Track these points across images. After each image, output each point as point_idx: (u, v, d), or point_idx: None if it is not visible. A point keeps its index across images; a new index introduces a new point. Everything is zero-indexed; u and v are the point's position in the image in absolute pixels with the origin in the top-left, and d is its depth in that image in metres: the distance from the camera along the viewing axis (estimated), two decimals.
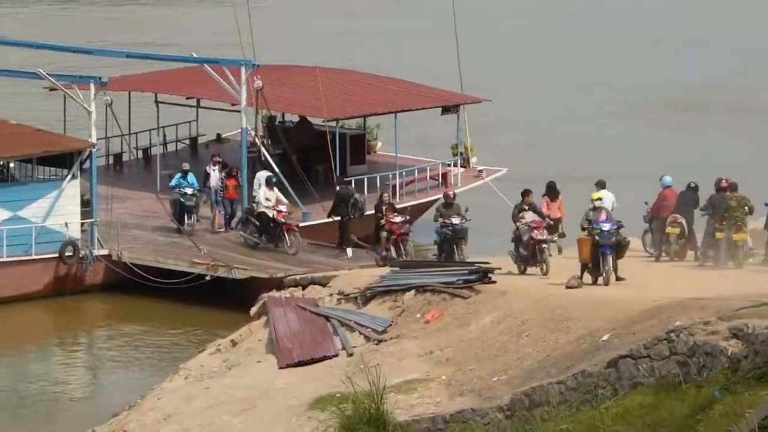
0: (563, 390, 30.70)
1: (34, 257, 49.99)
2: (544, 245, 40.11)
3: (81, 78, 52.42)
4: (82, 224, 51.98)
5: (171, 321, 47.97)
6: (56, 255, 49.89)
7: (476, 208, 48.15)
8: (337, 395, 33.94)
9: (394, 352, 37.04)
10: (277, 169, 52.64)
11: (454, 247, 42.64)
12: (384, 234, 45.15)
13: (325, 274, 43.72)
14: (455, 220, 41.98)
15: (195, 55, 55.62)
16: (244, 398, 36.57)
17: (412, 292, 39.97)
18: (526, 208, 42.14)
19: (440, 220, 43.17)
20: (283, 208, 49.05)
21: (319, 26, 66.35)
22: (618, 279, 35.91)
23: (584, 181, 45.87)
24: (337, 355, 37.25)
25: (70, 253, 49.84)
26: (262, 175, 52.81)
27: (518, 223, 41.18)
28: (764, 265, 39.08)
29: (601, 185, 46.27)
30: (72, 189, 50.29)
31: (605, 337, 33.15)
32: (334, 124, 55.27)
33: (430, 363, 36.46)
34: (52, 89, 53.60)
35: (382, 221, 45.80)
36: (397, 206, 51.03)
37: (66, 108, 53.32)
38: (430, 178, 52.99)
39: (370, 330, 38.17)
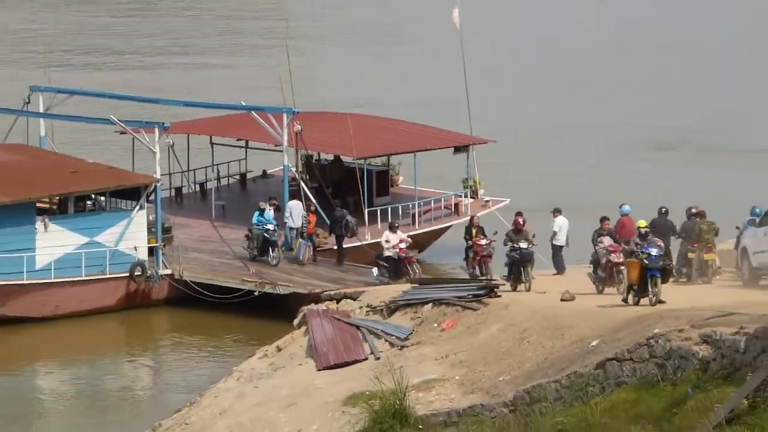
0: (558, 388, 30.96)
1: (108, 276, 49.77)
2: (621, 267, 39.44)
3: (147, 123, 52.62)
4: (165, 245, 52.26)
5: (225, 330, 47.90)
6: (127, 274, 49.78)
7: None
8: (367, 393, 33.93)
9: (414, 356, 37.12)
10: (314, 201, 52.86)
11: (521, 269, 41.59)
12: (471, 254, 44.80)
13: (356, 290, 43.68)
14: (523, 245, 41.41)
15: (243, 104, 55.59)
16: (287, 396, 36.57)
17: (430, 305, 40.20)
18: (605, 233, 42.13)
19: (509, 244, 42.49)
20: (403, 245, 48.32)
21: (347, 70, 65.78)
22: (660, 302, 34.73)
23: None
24: (366, 359, 37.39)
25: (139, 273, 49.77)
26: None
27: (597, 247, 41.39)
28: (731, 281, 38.89)
29: (558, 211, 46.82)
30: (140, 218, 50.38)
31: (594, 343, 33.31)
32: (362, 161, 55.42)
33: (445, 365, 36.60)
34: (122, 133, 53.45)
35: (469, 242, 45.28)
36: (418, 231, 51.81)
37: (134, 148, 53.21)
38: (445, 207, 52.99)
39: (394, 337, 38.31)
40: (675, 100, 68.70)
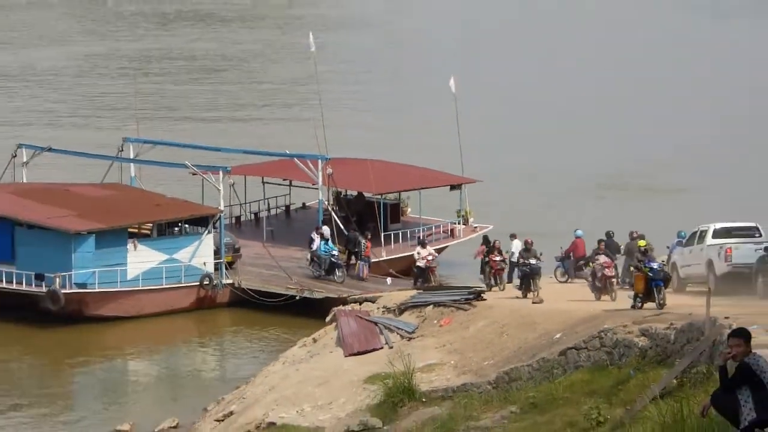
0: (530, 370, 31.63)
1: (183, 285, 49.78)
2: (613, 279, 39.47)
3: (213, 167, 52.67)
4: (233, 263, 52.46)
5: (273, 326, 47.77)
6: (197, 283, 49.78)
7: (471, 249, 48.02)
8: (383, 374, 34.48)
9: (419, 345, 37.66)
10: (342, 226, 53.24)
11: (530, 280, 41.00)
12: (488, 269, 44.35)
13: (374, 295, 44.28)
14: (532, 261, 41.11)
15: (288, 152, 55.77)
16: (321, 376, 36.98)
17: (431, 306, 40.52)
18: (601, 252, 41.61)
19: (521, 260, 42.55)
20: (430, 257, 48.12)
21: (368, 126, 65.68)
22: (663, 305, 33.77)
23: (541, 235, 45.76)
24: (382, 348, 37.96)
25: (207, 282, 49.73)
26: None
27: (594, 264, 40.85)
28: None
29: (513, 236, 47.07)
30: (208, 240, 50.43)
31: (558, 335, 33.81)
32: (379, 196, 55.56)
33: (443, 353, 37.09)
34: (194, 174, 53.32)
35: (487, 259, 44.73)
36: (422, 250, 50.92)
37: (203, 187, 53.29)
38: (443, 232, 52.93)
39: (403, 331, 38.92)
40: (621, 148, 68.56)
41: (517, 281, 44.88)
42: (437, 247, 52.35)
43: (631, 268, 39.09)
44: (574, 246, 45.39)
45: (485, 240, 48.35)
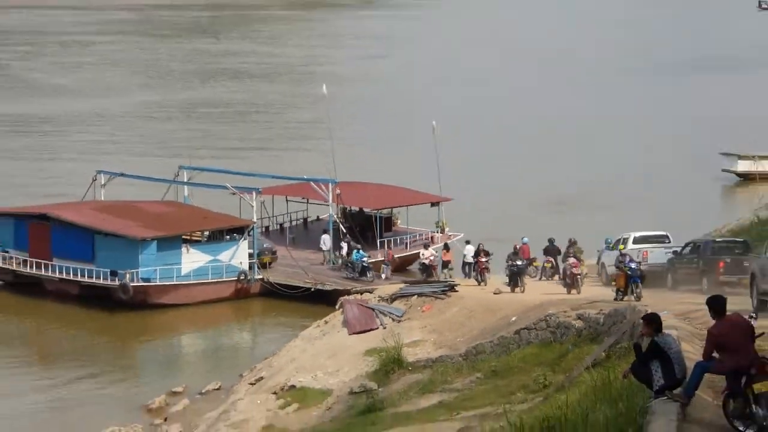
0: (492, 346, 32.39)
1: (224, 279, 49.62)
2: (579, 276, 38.73)
3: (248, 188, 52.57)
4: (273, 261, 52.72)
5: (294, 311, 47.55)
6: (235, 278, 49.59)
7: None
8: (378, 348, 35.11)
9: (406, 326, 37.93)
10: (348, 235, 53.02)
11: (518, 278, 40.26)
12: (476, 267, 43.63)
13: (372, 287, 44.67)
14: (519, 262, 40.52)
15: (306, 177, 55.66)
16: (331, 349, 37.41)
17: (416, 296, 40.43)
18: (571, 254, 41.12)
19: (509, 262, 41.51)
20: (432, 257, 47.95)
21: (367, 156, 65.69)
22: (639, 297, 32.87)
23: (502, 241, 45.63)
24: (378, 328, 37.93)
25: (243, 277, 49.50)
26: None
27: (564, 264, 40.85)
28: (594, 283, 39.02)
29: (468, 242, 47.09)
30: (244, 245, 50.23)
31: (513, 319, 34.47)
32: (375, 211, 55.38)
33: (425, 332, 37.45)
34: (233, 194, 53.10)
35: (475, 260, 44.11)
36: (410, 252, 52.24)
37: (240, 204, 53.19)
38: (425, 238, 52.58)
39: (394, 315, 38.95)
40: (563, 174, 68.27)
41: (470, 278, 45.16)
42: (418, 251, 52.53)
43: (566, 268, 39.88)
44: (522, 250, 44.62)
45: (446, 246, 49.31)
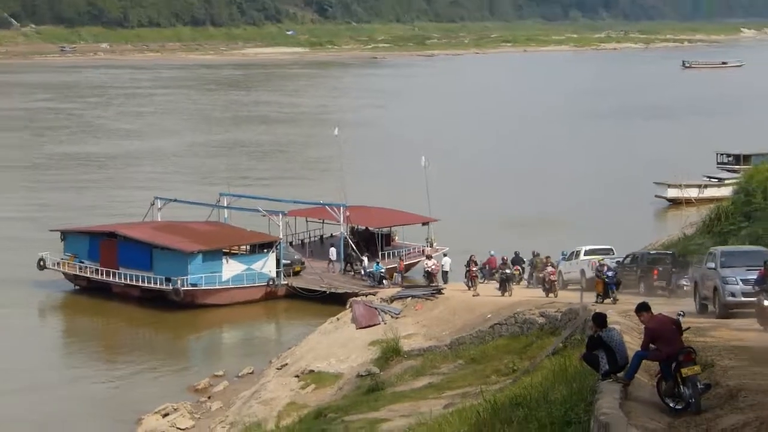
0: (471, 338, 32.57)
1: (256, 285, 49.32)
2: (554, 282, 37.83)
3: (275, 212, 52.58)
4: (301, 270, 52.46)
5: (311, 310, 47.07)
6: (266, 284, 49.36)
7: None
8: (380, 340, 35.10)
9: (402, 322, 37.94)
10: (355, 248, 52.77)
11: (507, 284, 39.03)
12: (468, 275, 42.20)
13: (375, 291, 44.48)
14: (508, 271, 39.47)
15: (321, 201, 55.54)
16: (342, 340, 37.47)
17: (410, 298, 40.30)
18: (546, 263, 40.11)
19: (500, 271, 40.68)
20: (433, 266, 46.64)
21: (373, 184, 65.47)
22: (616, 300, 31.84)
23: (477, 253, 44.89)
24: (380, 324, 37.62)
25: (271, 283, 49.16)
26: (332, 249, 53.52)
27: (542, 273, 39.39)
28: (558, 288, 38.47)
29: (445, 255, 48.05)
30: (272, 256, 49.93)
31: (489, 316, 34.43)
32: (378, 229, 55.36)
33: (417, 327, 37.42)
34: (263, 216, 53.06)
35: (467, 269, 42.55)
36: (407, 262, 51.53)
37: (269, 224, 53.20)
38: (418, 252, 52.68)
39: (393, 313, 38.73)
40: (527, 199, 68.44)
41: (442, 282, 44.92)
42: (415, 260, 52.45)
43: (544, 276, 38.88)
44: (489, 261, 44.65)
45: (427, 256, 48.44)
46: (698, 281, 28.01)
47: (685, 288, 33.94)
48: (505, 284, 39.28)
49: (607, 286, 32.97)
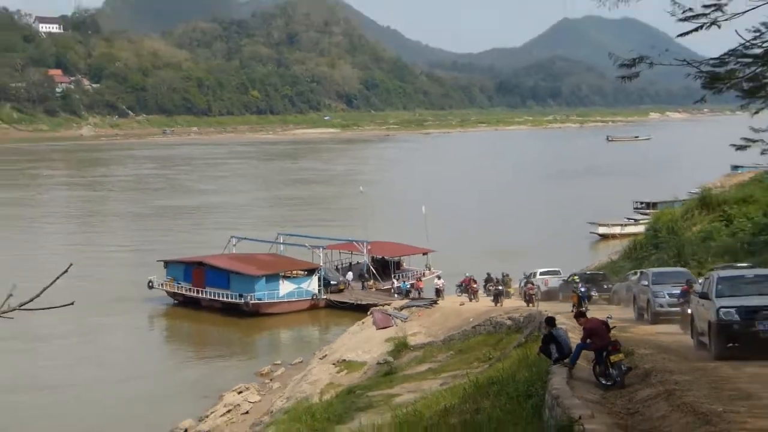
0: (459, 335, 31.86)
1: (304, 299, 49.30)
2: (533, 295, 36.17)
3: (317, 246, 52.86)
4: (344, 289, 51.49)
5: (343, 317, 46.32)
6: (311, 298, 49.32)
7: (429, 280, 46.89)
8: (393, 337, 34.63)
9: (409, 325, 37.38)
10: (375, 273, 52.45)
11: (498, 297, 37.45)
12: (468, 290, 41.67)
13: (389, 302, 44.22)
14: (500, 287, 38.13)
15: (351, 238, 55.22)
16: (366, 338, 37.03)
17: (414, 307, 40.12)
18: (528, 279, 39.53)
19: (492, 287, 40.00)
20: (442, 285, 44.30)
21: (388, 225, 64.62)
22: (587, 310, 30.69)
23: (459, 275, 45.08)
24: (393, 326, 37.26)
25: (314, 297, 49.09)
26: (350, 273, 52.96)
27: (524, 288, 37.59)
28: (519, 301, 38.01)
29: (438, 277, 46.04)
30: (315, 278, 49.80)
31: (471, 319, 33.92)
32: (391, 258, 55.07)
33: (420, 328, 37.01)
34: (309, 249, 53.05)
35: (468, 286, 41.95)
36: (412, 281, 50.02)
37: (312, 255, 52.96)
38: (422, 273, 52.15)
39: (402, 318, 38.38)
40: (496, 235, 67.92)
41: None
42: (422, 279, 51.55)
43: (524, 290, 37.49)
44: (464, 280, 43.99)
45: (437, 277, 47.22)
46: (635, 295, 27.15)
47: (593, 297, 33.91)
48: (497, 297, 38.36)
49: (580, 298, 31.75)
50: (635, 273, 34.14)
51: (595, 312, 23.11)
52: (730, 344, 14.36)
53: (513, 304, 37.60)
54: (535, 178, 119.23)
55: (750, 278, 15.82)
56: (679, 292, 23.42)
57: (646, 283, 25.95)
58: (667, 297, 24.34)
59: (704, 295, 15.38)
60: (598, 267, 48.09)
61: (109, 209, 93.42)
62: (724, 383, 12.73)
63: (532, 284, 37.73)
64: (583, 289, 32.22)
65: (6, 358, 33.43)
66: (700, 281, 20.34)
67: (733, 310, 14.28)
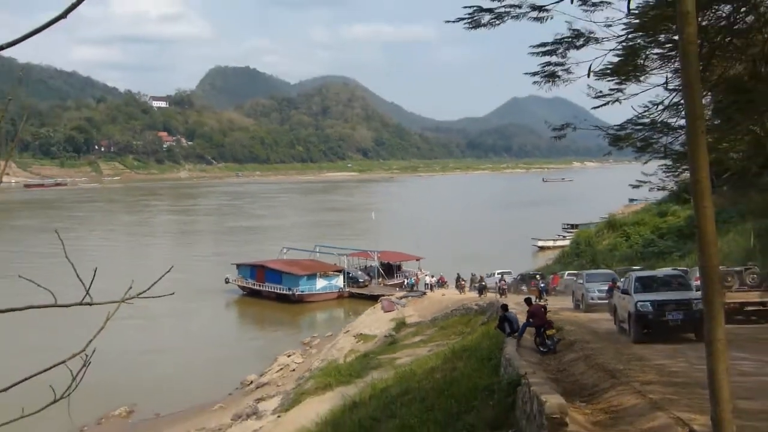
0: (441, 316, 31.24)
1: (333, 291, 48.47)
2: (506, 289, 33.05)
3: (342, 254, 51.68)
4: (367, 285, 49.10)
5: (362, 304, 44.73)
6: (338, 291, 48.49)
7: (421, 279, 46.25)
8: (396, 318, 34.05)
9: (407, 310, 36.69)
10: (384, 275, 51.06)
11: (481, 291, 34.99)
12: (459, 286, 39.49)
13: (393, 294, 43.43)
14: (483, 283, 35.19)
15: (365, 249, 53.68)
16: (376, 319, 36.18)
17: (410, 297, 39.64)
18: (502, 278, 36.57)
19: (478, 283, 37.38)
20: (462, 282, 41.01)
21: (391, 239, 62.36)
22: (546, 301, 26.02)
23: (445, 274, 44.29)
24: (395, 310, 36.63)
25: (340, 290, 47.99)
26: (360, 271, 51.01)
27: (499, 283, 34.15)
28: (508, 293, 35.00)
29: (426, 275, 44.89)
30: (340, 276, 48.73)
31: (450, 305, 33.20)
32: (393, 262, 53.71)
33: (414, 311, 36.22)
34: (337, 256, 51.65)
35: (457, 282, 39.75)
36: (410, 279, 48.02)
37: (339, 260, 51.91)
38: (416, 275, 49.71)
39: (401, 305, 37.68)
40: (472, 243, 65.57)
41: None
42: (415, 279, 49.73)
43: (499, 285, 34.32)
44: (440, 278, 43.49)
45: (430, 276, 45.54)
46: (574, 290, 25.64)
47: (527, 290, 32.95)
48: (481, 291, 36.02)
49: (540, 291, 29.53)
50: (568, 274, 33.87)
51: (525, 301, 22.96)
52: (646, 330, 13.48)
53: (490, 296, 36.89)
54: (493, 205, 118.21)
55: (661, 278, 14.73)
56: (606, 288, 22.58)
57: (581, 281, 25.18)
58: (597, 292, 23.53)
59: (625, 291, 14.38)
60: (538, 269, 47.84)
61: (197, 228, 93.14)
62: (625, 350, 12.76)
63: (505, 281, 35.39)
64: (542, 285, 30.85)
65: (131, 331, 33.43)
66: (622, 280, 19.87)
67: (648, 303, 13.31)
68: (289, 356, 33.05)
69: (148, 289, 1.95)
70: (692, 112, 4.08)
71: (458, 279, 41.69)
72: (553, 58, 10.58)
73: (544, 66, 10.79)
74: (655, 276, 15.28)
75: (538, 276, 35.33)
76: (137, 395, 26.11)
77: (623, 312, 14.58)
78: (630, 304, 13.86)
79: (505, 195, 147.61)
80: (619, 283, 20.29)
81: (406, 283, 47.13)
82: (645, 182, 14.37)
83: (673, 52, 9.53)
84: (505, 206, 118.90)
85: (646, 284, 14.23)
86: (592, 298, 23.25)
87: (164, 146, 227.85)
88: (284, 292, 48.07)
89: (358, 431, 12.13)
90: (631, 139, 11.62)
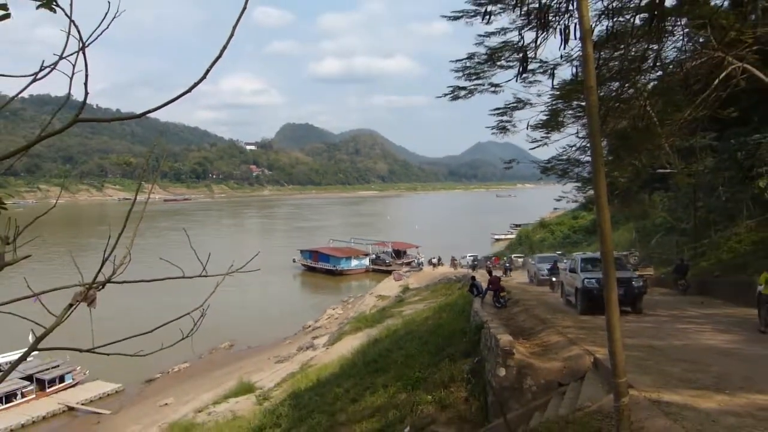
0: (432, 284, 29.88)
1: (363, 268, 46.75)
2: (492, 268, 25.40)
3: (368, 244, 50.90)
4: (391, 266, 43.89)
5: (381, 276, 41.62)
6: (365, 268, 46.77)
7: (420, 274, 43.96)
8: (403, 285, 32.70)
9: (410, 279, 35.34)
10: (394, 256, 48.45)
11: (474, 268, 30.48)
12: (452, 264, 35.54)
13: (400, 269, 41.57)
14: (475, 263, 31.86)
15: (383, 240, 51.74)
16: (389, 287, 35.06)
17: (411, 271, 38.42)
18: (492, 269, 31.72)
19: (471, 263, 33.73)
20: (456, 261, 36.40)
21: (398, 233, 59.48)
22: (510, 277, 22.72)
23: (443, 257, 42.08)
24: (402, 280, 35.48)
25: (367, 267, 44.81)
26: (371, 256, 45.92)
27: (488, 264, 27.71)
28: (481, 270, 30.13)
29: (421, 257, 42.27)
30: (367, 258, 46.78)
31: (439, 277, 31.86)
32: (401, 249, 51.58)
33: (414, 281, 34.59)
34: (365, 245, 50.86)
35: (452, 261, 35.56)
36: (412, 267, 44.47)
37: (363, 248, 50.31)
38: (415, 256, 47.74)
39: (406, 276, 36.45)
40: (454, 236, 61.82)
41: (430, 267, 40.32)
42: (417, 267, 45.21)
43: (488, 267, 26.84)
44: (430, 260, 41.12)
45: (429, 260, 42.34)
46: (528, 269, 22.76)
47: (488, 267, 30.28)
48: (473, 268, 31.11)
49: (505, 269, 26.00)
50: (514, 256, 32.38)
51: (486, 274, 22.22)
52: (590, 303, 10.98)
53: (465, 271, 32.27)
54: (464, 212, 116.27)
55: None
56: (550, 266, 21.09)
57: (534, 263, 23.60)
58: (545, 271, 21.85)
59: (573, 270, 11.97)
60: (495, 253, 47.01)
61: (274, 227, 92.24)
62: (554, 306, 12.49)
63: (491, 262, 31.17)
64: (507, 265, 26.89)
65: (232, 294, 33.46)
66: (565, 261, 17.81)
67: (593, 281, 10.82)
68: (333, 309, 32.90)
69: (243, 266, 2.00)
70: (595, 151, 4.30)
71: (453, 259, 39.97)
72: (504, 117, 10.81)
73: (499, 122, 10.94)
74: (597, 258, 14.43)
75: (504, 258, 32.95)
76: (235, 334, 26.15)
77: (569, 288, 12.24)
78: (577, 281, 11.44)
79: (472, 205, 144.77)
80: (560, 264, 18.97)
81: (415, 263, 42.99)
82: (564, 197, 14.46)
83: (582, 113, 9.82)
84: (472, 212, 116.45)
85: (591, 264, 12.12)
86: (543, 275, 22.64)
87: (254, 174, 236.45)
88: (331, 268, 47.21)
89: (378, 357, 12.28)
90: (555, 169, 11.85)
